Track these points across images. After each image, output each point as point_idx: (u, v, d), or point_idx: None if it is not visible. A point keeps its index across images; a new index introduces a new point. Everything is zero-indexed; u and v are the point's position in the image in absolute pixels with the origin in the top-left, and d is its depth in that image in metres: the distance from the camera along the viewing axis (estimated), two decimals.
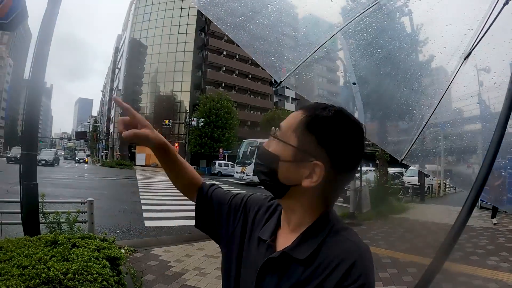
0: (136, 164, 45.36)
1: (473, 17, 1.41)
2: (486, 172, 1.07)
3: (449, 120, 1.87)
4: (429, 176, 19.14)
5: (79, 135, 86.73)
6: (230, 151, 37.99)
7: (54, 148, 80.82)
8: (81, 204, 5.39)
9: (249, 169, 23.67)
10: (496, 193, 2.04)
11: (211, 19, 1.39)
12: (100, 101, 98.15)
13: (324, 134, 0.74)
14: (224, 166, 35.99)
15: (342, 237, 0.74)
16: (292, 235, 0.79)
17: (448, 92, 1.65)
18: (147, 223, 8.32)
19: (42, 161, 29.36)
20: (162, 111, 47.66)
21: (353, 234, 0.76)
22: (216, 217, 0.98)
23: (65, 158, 58.00)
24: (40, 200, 4.46)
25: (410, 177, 19.56)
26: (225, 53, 50.70)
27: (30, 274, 2.44)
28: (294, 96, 58.17)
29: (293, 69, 1.63)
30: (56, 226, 4.82)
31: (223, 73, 50.78)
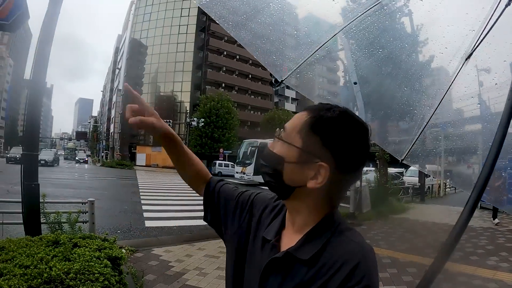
0: (137, 164, 45.42)
1: (475, 17, 1.41)
2: (488, 172, 1.07)
3: (450, 121, 1.86)
4: (429, 176, 19.15)
5: (80, 135, 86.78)
6: (231, 151, 38.01)
7: (55, 148, 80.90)
8: (82, 204, 5.40)
9: (249, 169, 23.69)
10: (496, 193, 2.04)
11: (213, 17, 1.38)
12: (101, 101, 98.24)
13: (329, 135, 0.73)
14: (224, 166, 36.00)
15: (346, 238, 0.74)
16: (296, 235, 0.79)
17: (449, 93, 1.65)
18: (148, 223, 8.33)
19: (42, 161, 29.29)
20: (163, 111, 47.67)
21: (357, 235, 0.76)
22: (223, 213, 0.99)
23: (65, 158, 58.04)
24: (41, 200, 4.47)
25: (410, 177, 19.57)
26: (225, 53, 50.74)
27: (32, 274, 2.45)
28: (294, 97, 58.21)
29: (295, 68, 1.63)
30: (57, 226, 4.83)
31: (223, 73, 50.82)
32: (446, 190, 21.80)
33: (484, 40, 1.39)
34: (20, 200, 4.32)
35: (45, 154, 32.56)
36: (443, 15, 1.47)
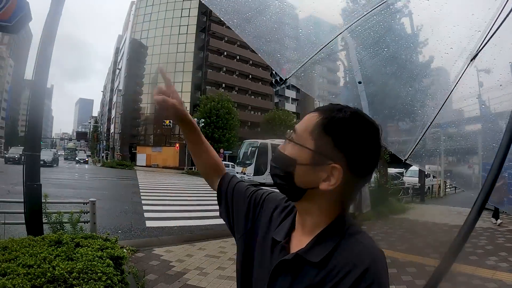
0: (137, 164, 45.43)
1: (481, 18, 1.40)
2: (495, 174, 1.07)
3: (454, 121, 1.86)
4: (429, 176, 19.21)
5: (80, 136, 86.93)
6: (231, 152, 38.00)
7: (55, 148, 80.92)
8: (84, 204, 5.43)
9: (250, 169, 23.72)
10: (497, 194, 2.05)
11: (217, 14, 1.37)
12: (101, 102, 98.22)
13: (342, 136, 0.72)
14: (224, 166, 35.99)
15: (356, 241, 0.73)
16: (306, 237, 0.79)
17: (454, 93, 1.63)
18: (148, 223, 8.36)
19: (41, 162, 29.22)
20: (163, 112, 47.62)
21: (367, 238, 0.75)
22: (235, 211, 1.00)
23: (66, 159, 58.00)
24: (43, 200, 4.50)
25: (410, 177, 19.61)
26: (225, 53, 50.76)
27: (36, 273, 2.48)
28: (294, 97, 58.25)
29: (299, 66, 1.61)
30: (58, 226, 4.86)
31: (223, 73, 50.82)
32: (446, 190, 21.83)
33: (490, 41, 1.38)
34: (22, 200, 4.35)
35: (44, 154, 32.45)
36: (449, 15, 1.46)
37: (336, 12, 1.61)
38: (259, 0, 1.59)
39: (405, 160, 1.78)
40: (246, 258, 0.91)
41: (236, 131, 40.27)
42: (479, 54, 1.46)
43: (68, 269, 2.60)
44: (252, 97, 53.06)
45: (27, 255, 2.83)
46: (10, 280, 2.34)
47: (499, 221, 9.57)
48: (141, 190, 15.58)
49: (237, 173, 25.82)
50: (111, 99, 70.20)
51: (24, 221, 4.33)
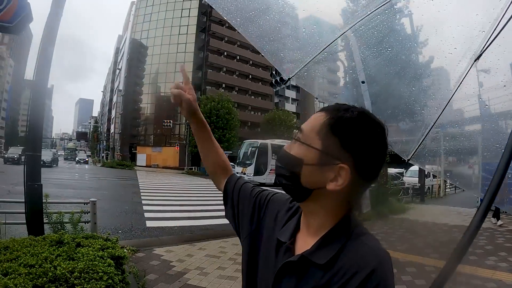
0: (137, 164, 45.46)
1: (485, 18, 1.39)
2: (501, 175, 1.05)
3: (457, 121, 1.85)
4: (429, 176, 19.23)
5: (80, 136, 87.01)
6: (231, 152, 37.98)
7: (55, 148, 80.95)
8: (84, 204, 5.45)
9: (250, 169, 23.72)
10: (498, 194, 2.04)
11: (220, 13, 1.37)
12: (101, 102, 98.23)
13: (349, 136, 0.72)
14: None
15: (362, 243, 0.73)
16: (312, 238, 0.78)
17: (457, 93, 1.62)
18: (149, 224, 8.36)
19: None
20: (163, 112, 47.72)
21: (373, 240, 0.74)
22: (240, 212, 1.01)
23: (66, 159, 58.02)
24: (43, 200, 4.52)
25: (410, 177, 19.63)
26: (225, 54, 50.77)
27: (37, 273, 2.49)
28: (294, 97, 58.27)
29: (302, 66, 1.61)
30: (59, 226, 4.87)
31: (223, 73, 50.83)
32: (446, 190, 21.86)
33: (494, 41, 1.37)
34: (22, 200, 4.37)
35: (44, 155, 32.07)
36: (453, 15, 1.45)
37: (340, 12, 1.61)
38: (262, 0, 1.58)
39: (408, 160, 1.77)
40: (251, 259, 0.91)
41: (236, 131, 40.26)
42: (483, 54, 1.46)
43: (70, 268, 2.61)
44: (252, 97, 53.08)
45: (29, 255, 2.84)
46: (12, 279, 2.35)
47: (499, 222, 9.58)
48: (141, 190, 15.59)
49: (237, 173, 25.82)
50: (111, 99, 70.23)
51: (24, 221, 4.36)
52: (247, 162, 24.26)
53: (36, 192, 4.31)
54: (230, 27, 49.51)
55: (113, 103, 64.05)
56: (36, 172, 4.38)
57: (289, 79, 1.66)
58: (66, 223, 4.94)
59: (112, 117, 64.75)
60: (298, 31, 1.69)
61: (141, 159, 47.99)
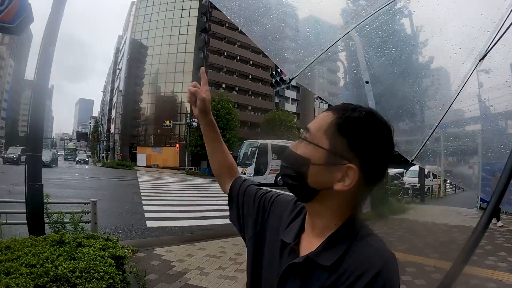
0: (137, 164, 45.47)
1: (490, 18, 1.39)
2: (508, 177, 1.05)
3: (461, 122, 1.84)
4: (429, 176, 19.25)
5: (80, 136, 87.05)
6: (231, 152, 37.59)
7: (55, 148, 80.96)
8: (85, 204, 5.46)
9: (250, 169, 23.72)
10: None
11: (224, 12, 1.37)
12: (101, 102, 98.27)
13: (357, 136, 0.72)
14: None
15: (367, 244, 0.72)
16: (316, 239, 0.78)
17: (461, 93, 1.63)
18: (149, 224, 8.37)
19: None
20: (163, 112, 47.76)
21: (378, 240, 0.74)
22: (245, 214, 1.01)
23: (66, 159, 58.02)
24: (44, 200, 4.53)
25: (410, 177, 19.64)
26: (225, 54, 50.77)
27: (39, 273, 2.50)
28: (294, 97, 58.26)
29: (306, 65, 1.61)
30: (60, 226, 4.88)
31: (223, 74, 50.82)
32: (446, 190, 21.88)
33: (499, 41, 1.37)
34: (23, 200, 4.39)
35: (43, 155, 32.01)
36: (458, 15, 1.46)
37: (344, 11, 1.61)
38: (265, 0, 1.58)
39: (412, 160, 1.77)
40: (255, 260, 0.91)
41: (236, 132, 40.26)
42: (488, 54, 1.45)
43: (71, 268, 2.62)
44: (252, 97, 53.06)
45: (30, 254, 2.85)
46: (14, 279, 2.37)
47: (499, 223, 9.58)
48: (141, 191, 15.59)
49: None
50: (111, 99, 70.27)
51: (25, 221, 4.37)
52: (247, 162, 24.25)
53: (37, 192, 4.32)
54: (230, 27, 49.57)
55: (113, 103, 64.08)
56: (37, 172, 4.39)
57: (292, 78, 1.66)
58: (67, 223, 4.95)
59: (112, 117, 64.79)
60: (302, 31, 1.68)
61: (141, 159, 48.00)
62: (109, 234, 4.29)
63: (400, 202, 14.26)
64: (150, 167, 45.16)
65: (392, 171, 17.35)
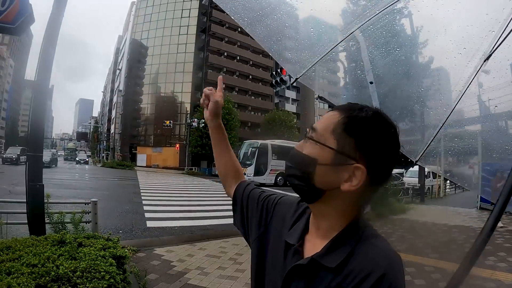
0: (137, 165, 45.48)
1: (495, 18, 1.38)
2: None
3: (467, 122, 1.84)
4: (429, 177, 19.27)
5: (80, 136, 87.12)
6: None
7: (55, 148, 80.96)
8: (85, 204, 5.47)
9: (250, 170, 23.74)
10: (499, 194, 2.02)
11: (228, 13, 1.38)
12: (101, 102, 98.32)
13: (364, 136, 0.71)
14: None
15: (372, 245, 0.72)
16: (321, 241, 0.77)
17: (466, 94, 1.62)
18: (149, 224, 8.38)
19: None
20: (163, 112, 47.75)
21: (383, 242, 0.74)
22: (249, 217, 1.01)
23: (66, 159, 57.99)
24: (45, 200, 4.54)
25: (410, 178, 19.66)
26: (226, 54, 50.79)
27: (40, 272, 2.51)
28: (294, 97, 58.27)
29: (310, 65, 1.61)
30: (60, 226, 4.90)
31: (224, 74, 50.80)
32: (446, 191, 21.89)
33: (504, 41, 1.36)
34: (23, 200, 4.40)
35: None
36: (462, 15, 1.44)
37: (347, 11, 1.61)
38: (269, 0, 1.58)
39: (416, 161, 1.76)
40: (259, 261, 0.91)
41: (237, 132, 40.26)
42: (493, 54, 1.44)
43: (72, 268, 2.63)
44: (253, 97, 53.07)
45: (31, 254, 2.86)
46: (15, 279, 2.38)
47: (499, 223, 9.57)
48: (141, 191, 15.60)
49: None
50: (111, 100, 70.29)
51: (26, 221, 4.38)
52: (247, 162, 24.26)
53: (38, 192, 4.33)
54: (231, 28, 49.61)
55: (113, 103, 64.10)
56: (37, 173, 4.40)
57: (296, 79, 1.66)
58: (68, 223, 4.97)
59: (112, 117, 64.80)
60: (306, 31, 1.68)
61: (141, 159, 48.01)
62: (110, 234, 4.30)
63: (400, 202, 14.26)
64: (150, 167, 45.17)
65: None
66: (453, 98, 1.66)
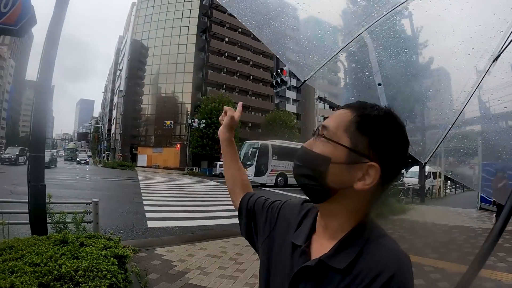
0: (138, 165, 45.53)
1: (503, 18, 1.36)
2: None
3: (476, 123, 1.83)
4: (429, 177, 19.28)
5: (81, 136, 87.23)
6: None
7: (55, 149, 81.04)
8: (86, 204, 5.50)
9: (250, 170, 23.75)
10: (502, 193, 2.01)
11: (235, 16, 1.37)
12: (102, 102, 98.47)
13: (377, 134, 0.71)
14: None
15: (380, 246, 0.71)
16: (328, 241, 0.76)
17: (475, 94, 1.60)
18: (150, 224, 8.40)
19: None
20: (164, 113, 47.80)
21: (391, 241, 0.73)
22: (255, 225, 1.01)
23: (66, 159, 58.02)
24: (46, 200, 4.57)
25: (411, 178, 19.69)
26: (226, 54, 50.84)
27: (42, 271, 2.54)
28: (295, 98, 58.29)
29: (318, 67, 1.60)
30: (62, 226, 4.93)
31: (224, 74, 50.87)
32: (446, 191, 21.91)
33: None
34: (25, 200, 4.42)
35: None
36: (471, 15, 1.42)
37: (354, 13, 1.60)
38: (277, 2, 1.58)
39: (425, 163, 1.75)
40: (266, 264, 0.90)
41: (237, 132, 40.15)
42: (502, 54, 1.43)
43: (74, 267, 2.66)
44: (253, 98, 53.09)
45: (33, 254, 2.89)
46: (18, 278, 2.41)
47: None
48: (142, 191, 15.62)
49: None
50: (112, 100, 70.40)
51: (27, 221, 4.41)
52: (248, 163, 24.28)
53: (39, 192, 4.36)
54: (231, 28, 49.68)
55: (114, 103, 64.19)
56: (39, 173, 4.43)
57: (304, 81, 1.66)
58: (69, 223, 5.00)
59: (113, 118, 64.92)
60: (313, 33, 1.68)
61: (142, 159, 48.07)
62: (111, 234, 4.33)
63: (400, 202, 14.28)
64: (150, 167, 45.23)
65: None
66: (461, 99, 1.65)
